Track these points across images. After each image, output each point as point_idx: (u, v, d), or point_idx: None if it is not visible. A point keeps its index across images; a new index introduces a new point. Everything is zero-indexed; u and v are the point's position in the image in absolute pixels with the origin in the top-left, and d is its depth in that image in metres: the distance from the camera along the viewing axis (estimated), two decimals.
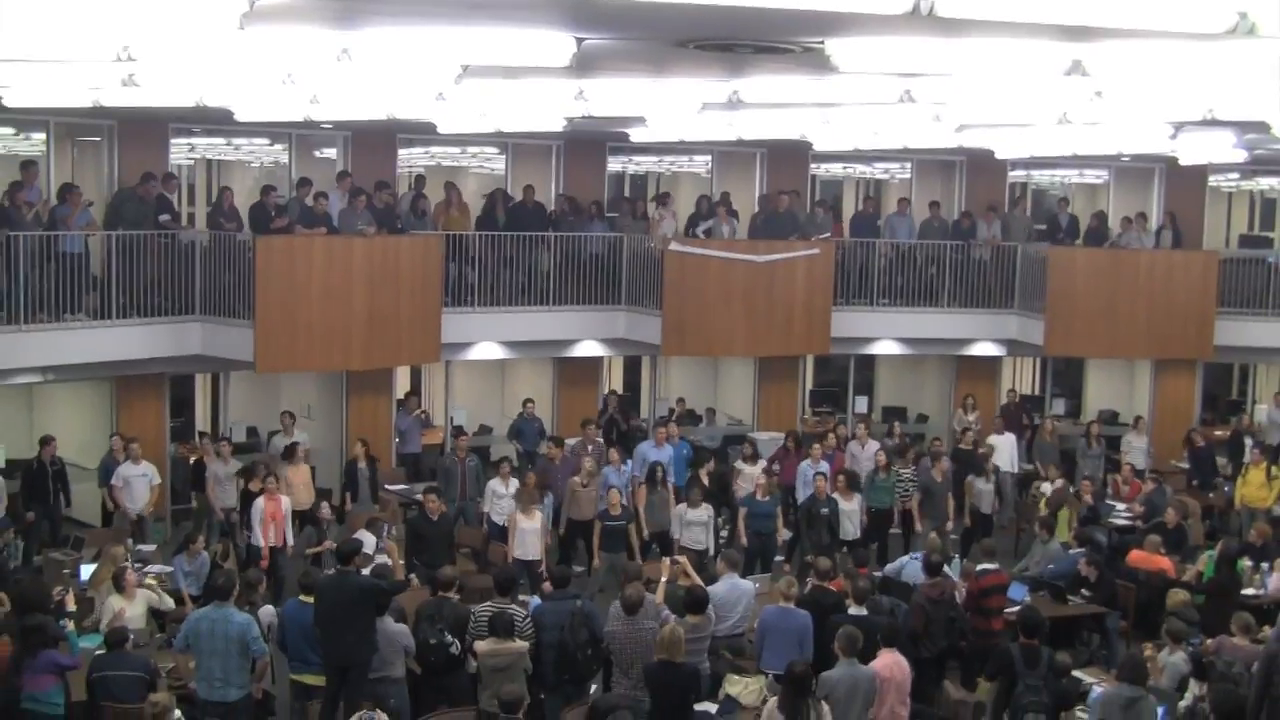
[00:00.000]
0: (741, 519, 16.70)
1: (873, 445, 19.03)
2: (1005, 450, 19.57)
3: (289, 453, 17.17)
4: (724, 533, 17.08)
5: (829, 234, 21.27)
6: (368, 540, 13.72)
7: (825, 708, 10.07)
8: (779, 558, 17.07)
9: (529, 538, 15.44)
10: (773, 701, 10.10)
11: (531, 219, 20.44)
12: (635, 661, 10.88)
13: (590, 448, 17.94)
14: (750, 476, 17.50)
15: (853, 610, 11.76)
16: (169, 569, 14.38)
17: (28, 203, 16.38)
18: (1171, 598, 13.46)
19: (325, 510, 15.61)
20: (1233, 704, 9.45)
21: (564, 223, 20.75)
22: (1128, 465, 18.90)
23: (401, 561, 14.41)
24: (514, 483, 16.58)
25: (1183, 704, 11.12)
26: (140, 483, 16.48)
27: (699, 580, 12.55)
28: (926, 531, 17.08)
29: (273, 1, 7.66)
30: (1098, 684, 11.32)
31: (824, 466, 17.55)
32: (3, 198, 16.47)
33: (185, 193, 20.20)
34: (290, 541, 15.54)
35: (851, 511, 16.69)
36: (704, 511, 16.13)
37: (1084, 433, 20.74)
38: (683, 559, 12.97)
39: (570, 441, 18.52)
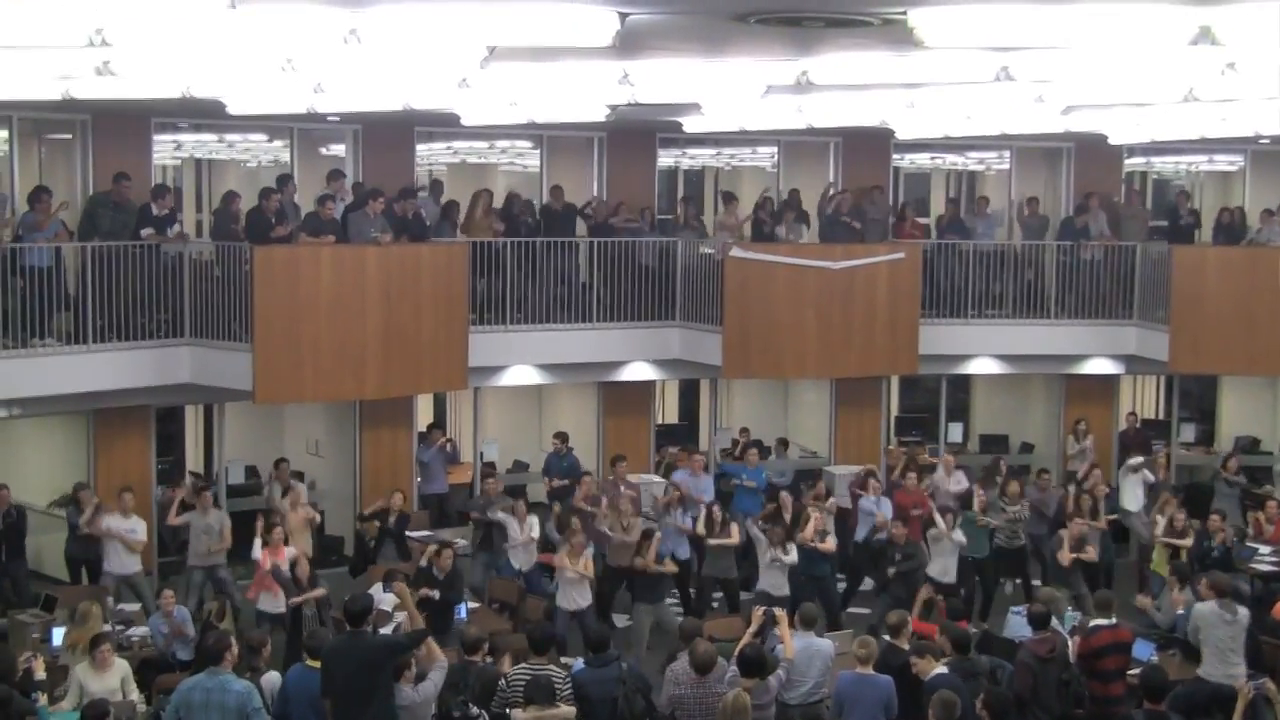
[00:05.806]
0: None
1: (959, 475, 19.04)
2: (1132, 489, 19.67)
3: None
4: None
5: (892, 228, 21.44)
6: (385, 598, 13.66)
7: None
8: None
9: (574, 585, 15.50)
10: None
11: (562, 223, 20.48)
12: None
13: (622, 488, 17.92)
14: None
15: (938, 670, 11.49)
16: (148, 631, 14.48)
17: None
18: None
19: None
20: None
21: (604, 227, 20.68)
22: (1273, 501, 18.59)
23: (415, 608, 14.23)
24: (533, 523, 16.76)
25: None
26: (130, 539, 16.39)
27: (789, 638, 12.36)
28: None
29: None
30: None
31: (885, 505, 17.72)
32: None
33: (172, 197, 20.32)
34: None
35: (945, 547, 16.63)
36: (792, 554, 15.99)
37: (1219, 463, 20.58)
38: (779, 611, 12.79)
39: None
